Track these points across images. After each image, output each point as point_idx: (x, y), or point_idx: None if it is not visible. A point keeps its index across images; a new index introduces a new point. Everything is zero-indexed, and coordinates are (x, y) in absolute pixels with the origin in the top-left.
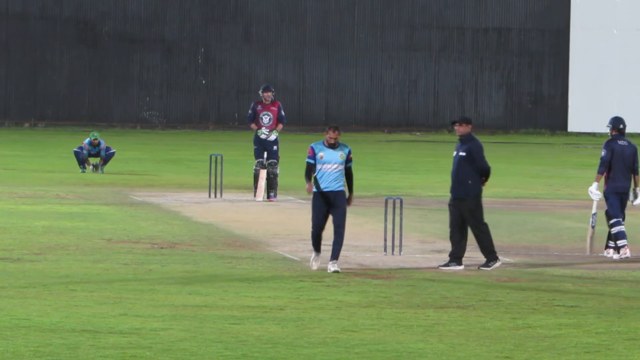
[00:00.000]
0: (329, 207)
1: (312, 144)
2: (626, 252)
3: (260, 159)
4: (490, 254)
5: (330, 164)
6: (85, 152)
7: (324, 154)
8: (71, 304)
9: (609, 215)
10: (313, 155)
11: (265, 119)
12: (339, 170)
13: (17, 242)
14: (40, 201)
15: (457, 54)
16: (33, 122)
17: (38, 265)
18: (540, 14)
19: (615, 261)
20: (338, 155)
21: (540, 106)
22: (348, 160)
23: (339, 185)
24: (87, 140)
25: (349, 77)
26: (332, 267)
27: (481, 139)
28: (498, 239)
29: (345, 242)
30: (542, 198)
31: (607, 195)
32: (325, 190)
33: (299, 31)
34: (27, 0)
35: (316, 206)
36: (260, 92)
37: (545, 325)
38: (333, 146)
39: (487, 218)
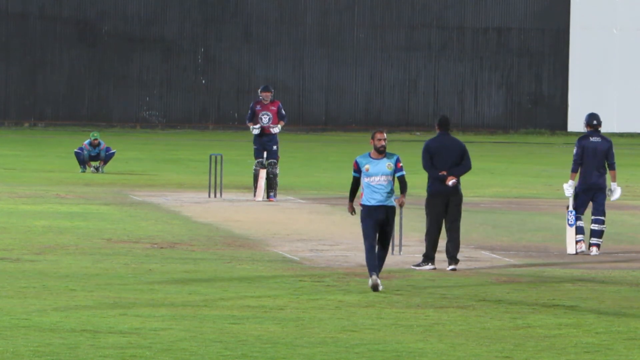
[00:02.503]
0: (378, 222)
1: (356, 158)
2: (581, 247)
3: (260, 159)
4: (425, 256)
5: (377, 176)
6: (85, 152)
7: (370, 165)
8: (71, 304)
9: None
10: (358, 169)
11: (265, 118)
12: (388, 182)
13: (17, 242)
14: (40, 201)
15: (457, 53)
16: (33, 122)
17: (38, 265)
18: (540, 14)
19: (615, 261)
20: (385, 166)
21: (540, 106)
22: (397, 169)
23: (389, 199)
24: (87, 141)
25: (349, 77)
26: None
27: (481, 138)
28: (498, 239)
29: (345, 242)
30: (542, 198)
31: (578, 192)
32: (374, 205)
33: (299, 31)
34: (27, 0)
35: (366, 220)
36: (259, 92)
37: (545, 325)
38: (380, 153)
39: (488, 218)
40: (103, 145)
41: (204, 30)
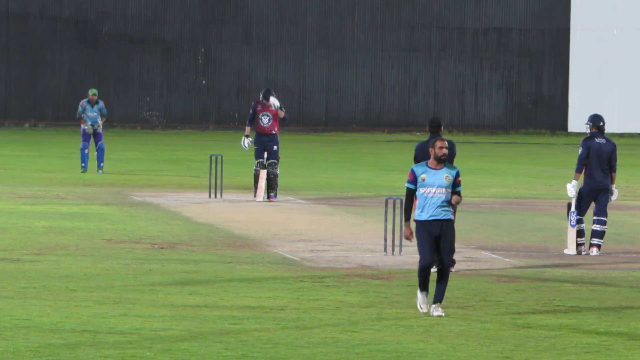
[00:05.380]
0: (433, 237)
1: (412, 167)
2: (584, 251)
3: (260, 159)
4: None
5: (433, 187)
6: (80, 109)
7: (427, 175)
8: (71, 304)
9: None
10: (414, 180)
11: (265, 119)
12: (445, 195)
13: (17, 242)
14: (40, 201)
15: (457, 54)
16: (33, 122)
17: (38, 265)
18: (540, 14)
19: (615, 261)
20: (443, 177)
21: (540, 106)
22: (456, 184)
23: (446, 213)
24: (85, 100)
25: (349, 77)
26: (435, 311)
27: (481, 139)
28: (498, 239)
29: (345, 242)
30: (542, 198)
31: (582, 193)
32: (429, 219)
33: (299, 31)
34: (27, 0)
35: (421, 235)
36: (260, 95)
37: (546, 326)
38: (439, 163)
39: (488, 218)
40: (102, 104)
41: (204, 30)
